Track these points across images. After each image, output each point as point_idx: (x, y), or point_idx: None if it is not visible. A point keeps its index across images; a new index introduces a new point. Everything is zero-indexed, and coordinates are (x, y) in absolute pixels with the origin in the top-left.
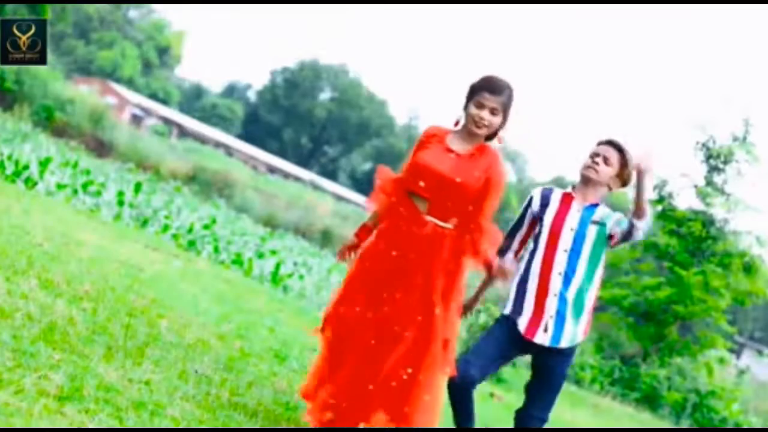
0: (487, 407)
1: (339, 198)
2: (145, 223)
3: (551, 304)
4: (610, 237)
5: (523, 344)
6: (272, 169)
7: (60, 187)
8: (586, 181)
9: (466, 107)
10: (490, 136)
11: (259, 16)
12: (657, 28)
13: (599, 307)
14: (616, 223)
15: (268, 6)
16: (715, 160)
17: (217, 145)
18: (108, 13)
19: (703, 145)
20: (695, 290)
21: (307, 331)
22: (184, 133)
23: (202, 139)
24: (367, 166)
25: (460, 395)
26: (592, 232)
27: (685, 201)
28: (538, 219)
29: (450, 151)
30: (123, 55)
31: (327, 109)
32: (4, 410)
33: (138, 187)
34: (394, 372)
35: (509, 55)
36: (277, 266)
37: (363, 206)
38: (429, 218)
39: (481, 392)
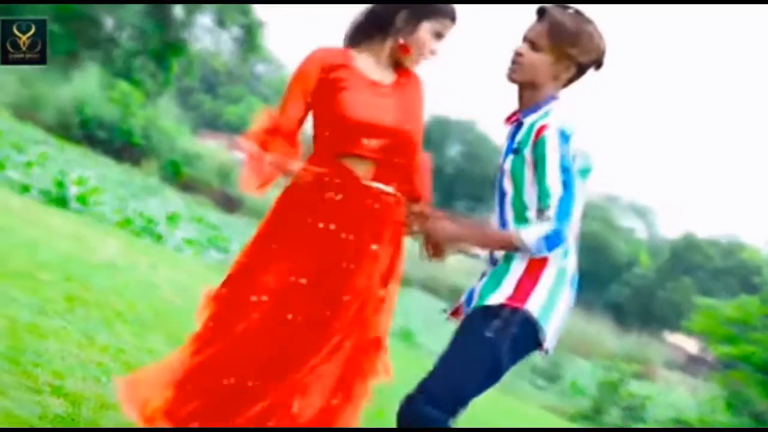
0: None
1: None
2: None
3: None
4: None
5: None
6: None
7: (188, 243)
8: (519, 90)
9: (406, 29)
10: None
11: None
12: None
13: (729, 365)
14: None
15: None
16: None
17: None
18: (235, 68)
19: None
20: None
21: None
22: None
23: None
24: None
25: None
26: (510, 164)
27: None
28: None
29: (375, 84)
30: (250, 110)
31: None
32: None
33: None
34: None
35: None
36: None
37: None
38: (375, 185)
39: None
